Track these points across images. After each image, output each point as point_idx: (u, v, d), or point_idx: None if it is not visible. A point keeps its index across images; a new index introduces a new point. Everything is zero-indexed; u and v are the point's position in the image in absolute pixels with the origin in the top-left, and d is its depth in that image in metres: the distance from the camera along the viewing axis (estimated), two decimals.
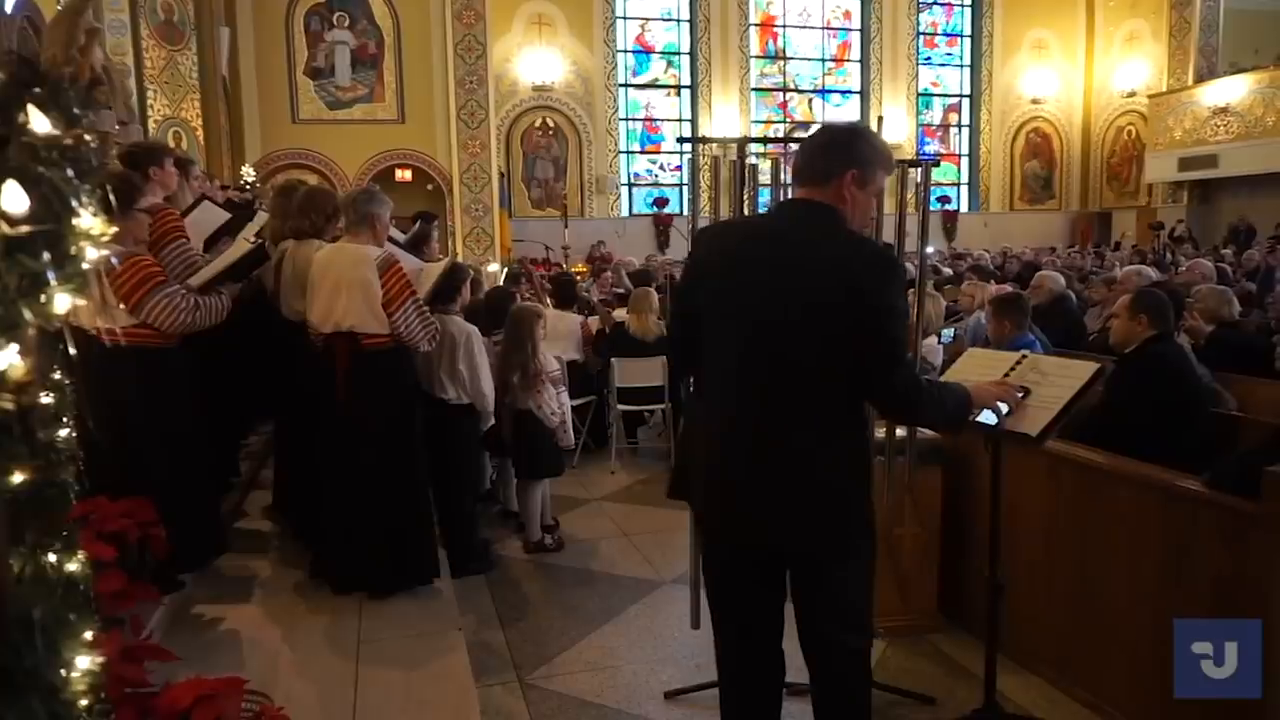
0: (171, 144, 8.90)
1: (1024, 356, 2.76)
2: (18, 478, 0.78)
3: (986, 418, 2.47)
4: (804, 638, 2.22)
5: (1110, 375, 3.42)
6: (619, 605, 4.07)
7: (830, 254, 2.04)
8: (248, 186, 9.49)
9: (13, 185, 0.66)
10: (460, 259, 10.64)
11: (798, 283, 2.01)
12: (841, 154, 2.08)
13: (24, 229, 0.67)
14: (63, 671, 0.81)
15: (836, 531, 2.09)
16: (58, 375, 0.81)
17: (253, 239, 4.01)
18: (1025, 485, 3.30)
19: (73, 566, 0.87)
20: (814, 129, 2.33)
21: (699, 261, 2.28)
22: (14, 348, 0.67)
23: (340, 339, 3.53)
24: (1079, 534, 3.17)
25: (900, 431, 3.36)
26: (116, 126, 6.65)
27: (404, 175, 13.55)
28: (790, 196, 2.22)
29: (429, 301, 3.79)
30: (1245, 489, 2.54)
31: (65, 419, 0.84)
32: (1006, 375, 2.67)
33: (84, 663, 0.84)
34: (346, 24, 13.19)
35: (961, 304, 6.93)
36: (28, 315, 0.67)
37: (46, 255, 0.68)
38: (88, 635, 0.87)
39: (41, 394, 0.78)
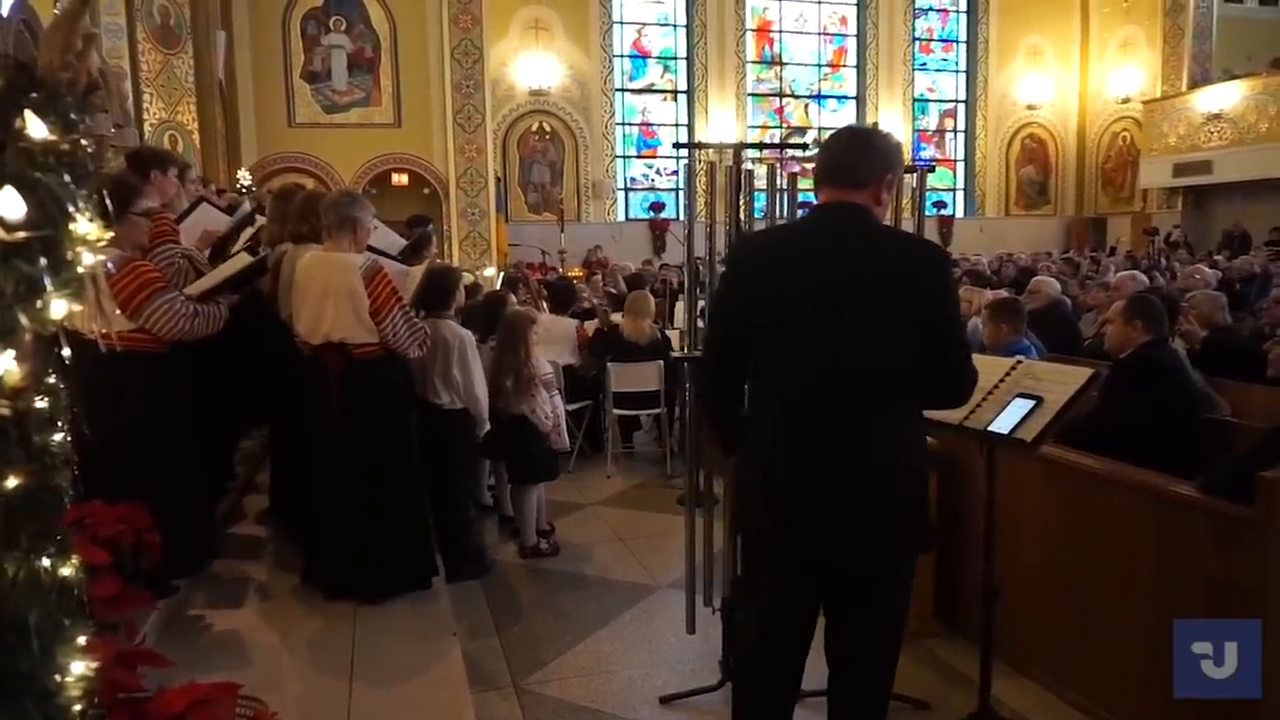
0: (168, 147, 8.89)
1: (1019, 362, 2.77)
2: (12, 482, 0.78)
3: (1000, 425, 2.49)
4: (838, 654, 2.23)
5: (1105, 380, 3.43)
6: (614, 610, 4.06)
7: (890, 253, 2.09)
8: (244, 190, 9.48)
9: (10, 191, 0.66)
10: (455, 264, 10.65)
11: (866, 285, 2.03)
12: (881, 160, 2.13)
13: (21, 235, 0.67)
14: (57, 676, 0.81)
15: (913, 540, 2.12)
16: (52, 379, 0.81)
17: (248, 243, 4.01)
18: (1020, 490, 3.31)
19: (66, 571, 0.87)
20: (833, 131, 2.31)
21: (746, 273, 2.21)
22: (10, 353, 0.67)
23: (330, 349, 3.52)
24: (1073, 538, 3.18)
25: None
26: (112, 130, 6.65)
27: (400, 179, 13.54)
28: (824, 200, 2.17)
29: (414, 306, 3.78)
30: (1238, 494, 2.55)
31: (60, 423, 0.84)
32: (1002, 381, 2.69)
33: (78, 668, 0.84)
34: (343, 28, 13.19)
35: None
36: (24, 321, 0.67)
37: (43, 261, 0.68)
38: (81, 640, 0.87)
39: (36, 398, 0.78)
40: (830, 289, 2.04)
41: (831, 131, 2.33)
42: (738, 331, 2.18)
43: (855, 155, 2.14)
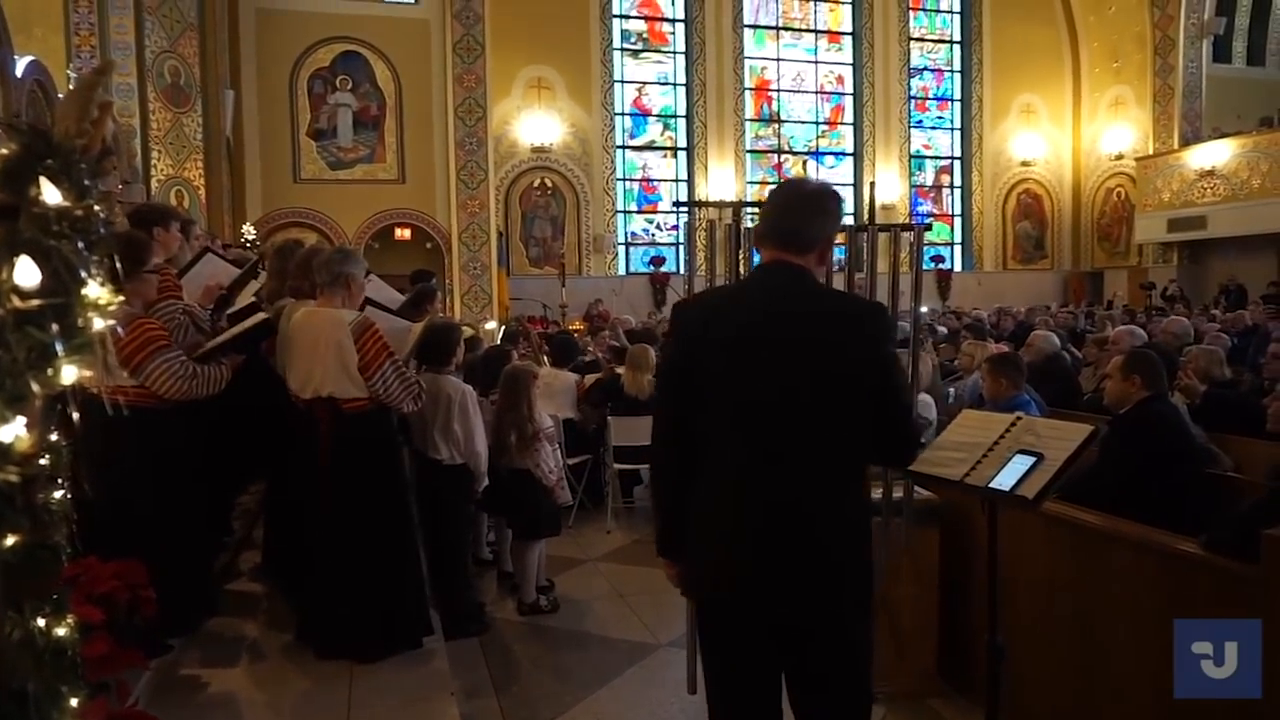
0: (174, 203, 9.02)
1: (1019, 419, 2.77)
2: (10, 540, 0.77)
3: (1001, 482, 2.48)
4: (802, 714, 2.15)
5: (1105, 436, 3.42)
6: (614, 669, 4.00)
7: (832, 314, 2.08)
8: (249, 245, 9.58)
9: (25, 260, 0.68)
10: (456, 318, 10.70)
11: (810, 349, 2.01)
12: (826, 223, 2.13)
13: (35, 303, 0.68)
14: None
15: (858, 597, 2.06)
16: (54, 437, 0.82)
17: (254, 297, 4.04)
18: (1023, 547, 3.28)
19: (61, 631, 0.86)
20: (776, 188, 2.27)
21: (691, 336, 2.15)
22: (21, 420, 0.67)
23: (321, 404, 3.52)
24: (1077, 596, 3.15)
25: (897, 492, 3.35)
26: (119, 186, 6.75)
27: (403, 234, 13.70)
28: (766, 260, 2.15)
29: (412, 360, 3.77)
30: (1242, 551, 2.53)
31: (60, 480, 0.84)
32: (1002, 437, 2.68)
33: None
34: (349, 87, 13.47)
35: (961, 364, 6.95)
36: (35, 387, 0.67)
37: (55, 327, 0.68)
38: (74, 703, 0.86)
39: (40, 458, 0.78)
40: (772, 353, 2.01)
41: (774, 188, 2.27)
42: (684, 392, 2.10)
43: (804, 219, 2.09)
